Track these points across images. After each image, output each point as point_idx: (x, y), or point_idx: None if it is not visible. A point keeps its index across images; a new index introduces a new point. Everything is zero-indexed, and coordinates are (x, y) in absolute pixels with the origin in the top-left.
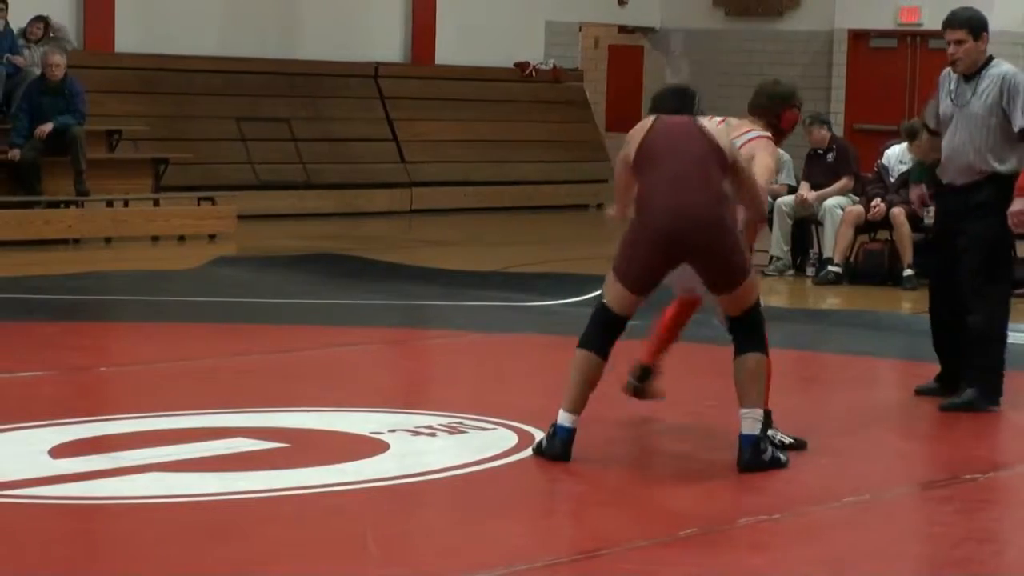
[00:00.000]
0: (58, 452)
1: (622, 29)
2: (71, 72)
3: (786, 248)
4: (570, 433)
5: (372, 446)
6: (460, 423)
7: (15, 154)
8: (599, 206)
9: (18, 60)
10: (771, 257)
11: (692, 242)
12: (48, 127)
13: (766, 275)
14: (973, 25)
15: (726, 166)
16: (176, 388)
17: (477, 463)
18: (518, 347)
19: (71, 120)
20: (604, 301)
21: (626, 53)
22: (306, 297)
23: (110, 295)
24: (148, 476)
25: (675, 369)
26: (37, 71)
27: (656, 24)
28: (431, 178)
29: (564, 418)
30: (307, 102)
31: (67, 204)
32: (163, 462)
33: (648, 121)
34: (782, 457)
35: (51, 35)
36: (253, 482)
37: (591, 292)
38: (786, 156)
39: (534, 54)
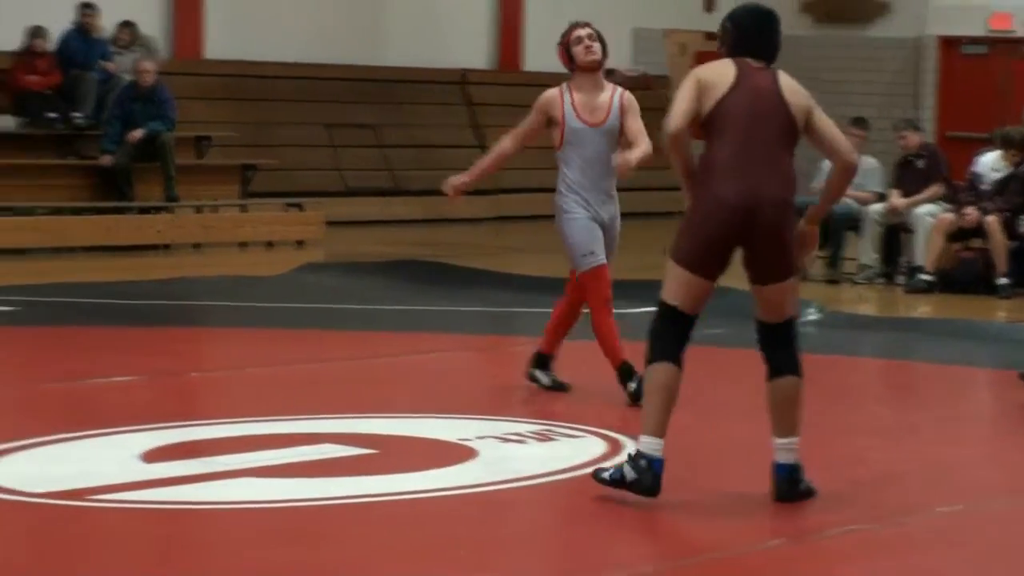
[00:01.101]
0: (150, 456)
1: (709, 35)
2: (161, 79)
3: (876, 256)
4: (663, 465)
5: (460, 452)
6: (549, 430)
7: (107, 160)
8: (682, 213)
9: (110, 66)
10: (860, 266)
11: (760, 223)
12: (139, 133)
13: (856, 283)
14: None
15: (797, 136)
16: (265, 393)
17: (566, 471)
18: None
19: (161, 126)
20: (668, 302)
21: (712, 59)
22: (393, 303)
23: (199, 300)
24: (238, 481)
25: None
26: (128, 78)
27: None
28: (517, 184)
29: (652, 445)
30: (394, 108)
31: (157, 210)
32: (253, 467)
33: (730, 70)
34: (812, 487)
35: (139, 41)
36: (342, 488)
37: None
38: (875, 163)
39: (621, 61)
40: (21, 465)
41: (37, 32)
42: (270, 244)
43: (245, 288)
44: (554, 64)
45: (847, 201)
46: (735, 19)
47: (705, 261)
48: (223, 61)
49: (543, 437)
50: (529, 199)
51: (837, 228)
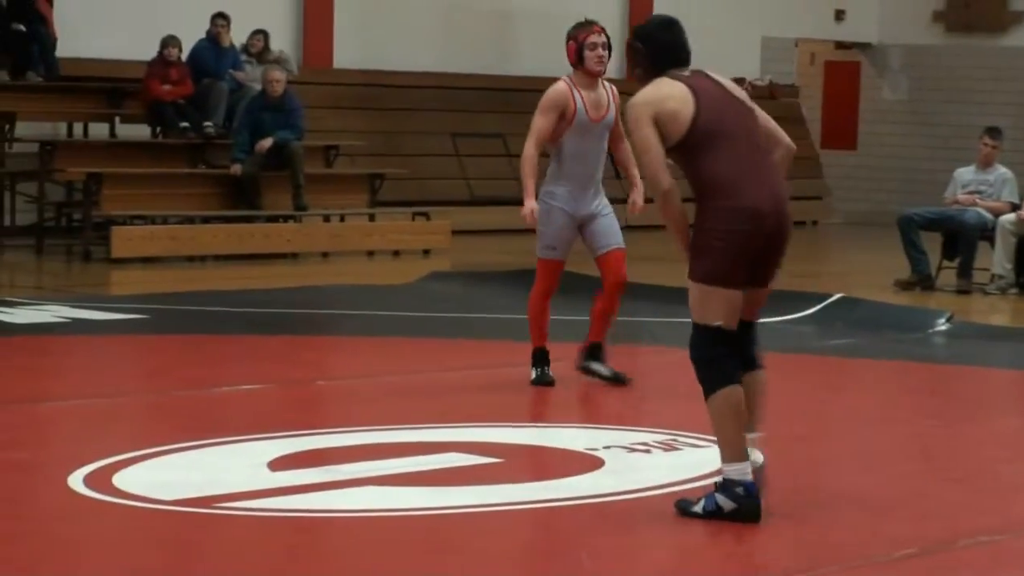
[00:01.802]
0: (277, 465)
1: (839, 45)
2: (290, 88)
3: (1008, 266)
4: (757, 488)
5: (587, 462)
6: (674, 440)
7: (236, 169)
8: (814, 223)
9: (240, 76)
10: (993, 275)
11: (781, 229)
12: (268, 142)
13: (987, 293)
14: None
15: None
16: (391, 402)
17: (692, 480)
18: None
19: (290, 135)
20: (711, 324)
21: (842, 69)
22: (518, 312)
23: (327, 309)
24: (364, 490)
25: (891, 387)
26: (258, 87)
27: (873, 40)
28: (648, 192)
29: (742, 470)
30: (521, 117)
31: (285, 219)
32: (379, 476)
33: (681, 90)
34: None
35: (271, 49)
36: (467, 497)
37: (805, 310)
38: (1009, 174)
39: (750, 70)
40: (151, 473)
41: (170, 42)
42: (397, 253)
43: (372, 297)
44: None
45: (980, 211)
46: (646, 36)
47: (741, 274)
48: (352, 71)
49: (668, 447)
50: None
51: (970, 238)
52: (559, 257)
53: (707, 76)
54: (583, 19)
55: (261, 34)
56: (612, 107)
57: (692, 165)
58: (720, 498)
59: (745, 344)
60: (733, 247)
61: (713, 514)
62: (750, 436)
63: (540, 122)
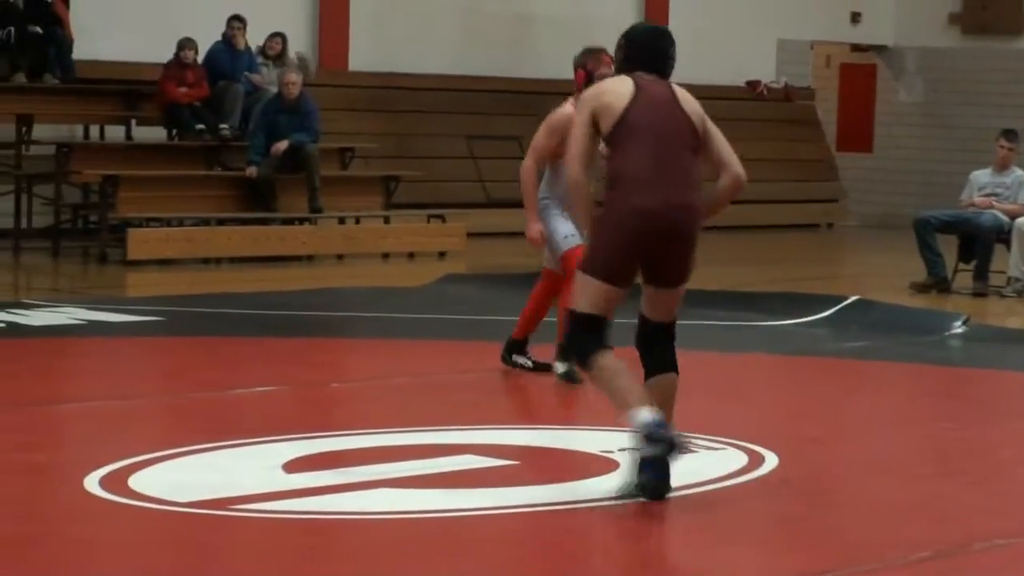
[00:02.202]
0: (292, 467)
1: (855, 47)
2: (306, 90)
3: None
4: (665, 424)
5: (602, 464)
6: (689, 442)
7: (252, 171)
8: (830, 225)
9: (255, 78)
10: (1009, 278)
11: (676, 230)
12: (283, 145)
13: (1004, 296)
14: None
15: (699, 143)
16: (406, 404)
17: (707, 483)
18: (747, 367)
19: (305, 138)
20: (584, 311)
21: (858, 71)
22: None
23: (342, 311)
24: (379, 492)
25: (907, 390)
26: (274, 89)
27: (889, 42)
28: None
29: (649, 414)
30: (537, 120)
31: (301, 221)
32: (394, 478)
33: (627, 86)
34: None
35: (288, 53)
36: (483, 499)
37: (822, 312)
38: None
39: (765, 72)
40: (166, 474)
41: (186, 44)
42: (412, 255)
43: (387, 299)
44: (696, 75)
45: (996, 213)
46: (630, 35)
47: (623, 271)
48: (367, 73)
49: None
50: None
51: (986, 240)
52: (579, 240)
53: (667, 86)
54: (592, 46)
55: (279, 37)
56: None
57: (610, 157)
58: (645, 448)
59: (661, 346)
60: (616, 243)
61: (652, 463)
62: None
63: (542, 141)
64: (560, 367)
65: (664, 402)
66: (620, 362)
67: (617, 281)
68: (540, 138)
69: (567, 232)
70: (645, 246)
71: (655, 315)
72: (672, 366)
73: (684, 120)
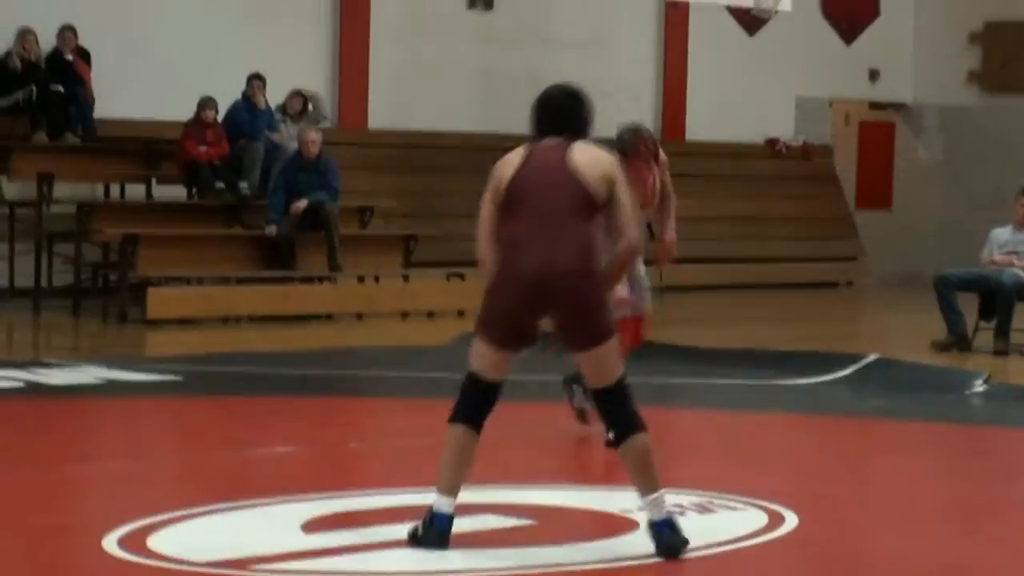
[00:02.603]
0: (310, 527)
1: (873, 105)
2: (326, 149)
3: None
4: (449, 521)
5: (621, 524)
6: (710, 502)
7: (272, 230)
8: (849, 284)
9: (276, 137)
10: None
11: (559, 295)
12: (303, 203)
13: None
14: None
15: (596, 206)
16: (425, 463)
17: (727, 543)
18: (768, 426)
19: (325, 196)
20: (470, 368)
21: (877, 129)
22: (553, 373)
23: (361, 370)
24: (398, 552)
25: (928, 449)
26: (294, 146)
27: (908, 100)
28: (681, 254)
29: (442, 504)
30: None
31: (320, 280)
32: None
33: (519, 155)
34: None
35: (308, 109)
36: (501, 559)
37: (842, 370)
38: None
39: (784, 130)
40: (184, 534)
41: (206, 103)
42: (431, 314)
43: (406, 358)
44: (716, 133)
45: (1017, 271)
46: (538, 99)
47: (503, 335)
48: (387, 132)
49: (703, 509)
50: (692, 269)
51: (1007, 298)
52: (626, 314)
53: (562, 150)
54: (629, 131)
55: (299, 95)
56: (656, 193)
57: (501, 226)
58: (419, 523)
59: (608, 410)
60: (496, 307)
61: (411, 539)
62: (641, 501)
63: None
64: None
65: (636, 465)
66: (461, 441)
67: (498, 344)
68: None
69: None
70: (525, 311)
71: (588, 380)
72: (632, 428)
73: (571, 184)
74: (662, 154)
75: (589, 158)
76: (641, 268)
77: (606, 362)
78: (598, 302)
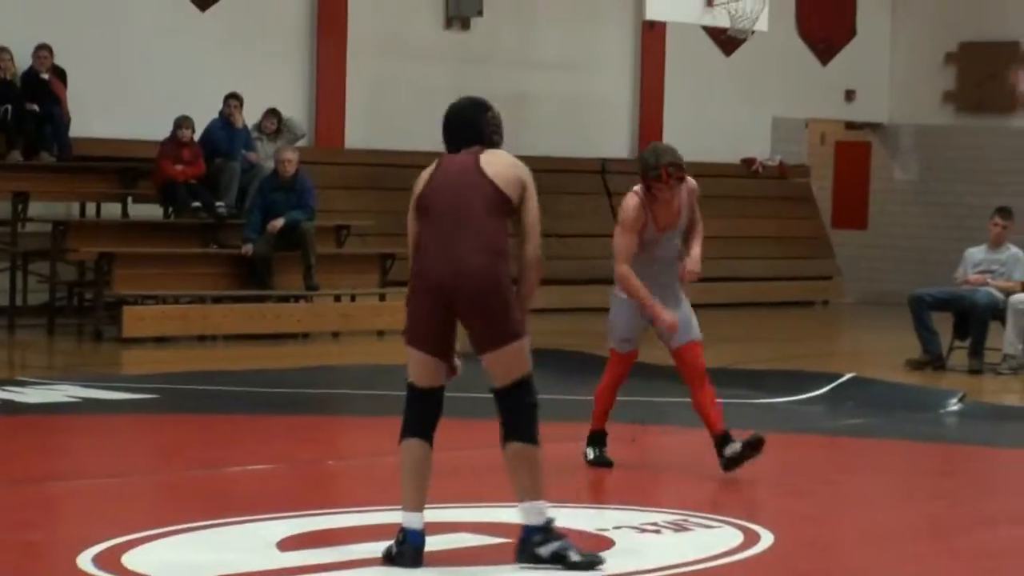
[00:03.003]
0: (286, 545)
1: (849, 125)
2: (302, 168)
3: (1020, 346)
4: (421, 537)
5: (597, 543)
6: (685, 520)
7: (248, 249)
8: (825, 303)
9: (252, 157)
10: (1004, 355)
11: (464, 295)
12: (279, 222)
13: (999, 373)
14: None
15: (509, 207)
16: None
17: (702, 560)
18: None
19: (301, 216)
20: (407, 379)
21: (853, 149)
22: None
23: (338, 389)
24: (373, 570)
25: (902, 467)
26: (270, 165)
27: (884, 120)
28: None
29: (411, 520)
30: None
31: (296, 299)
32: None
33: (430, 169)
34: (573, 555)
35: (283, 128)
36: None
37: (819, 389)
38: (1021, 253)
39: (761, 150)
40: (160, 552)
41: (183, 122)
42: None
43: (382, 376)
44: (692, 153)
45: (991, 290)
46: (444, 116)
47: (423, 338)
48: (363, 151)
49: (679, 527)
50: None
51: (981, 318)
52: (632, 348)
53: (472, 155)
54: (653, 153)
55: (274, 115)
56: (683, 211)
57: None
58: (393, 543)
59: (501, 411)
60: (411, 312)
61: (386, 558)
62: (519, 506)
63: (622, 242)
64: (590, 453)
65: (510, 470)
66: (415, 455)
67: (422, 348)
68: (619, 241)
69: (625, 335)
70: (435, 313)
71: (492, 379)
72: (515, 434)
73: (481, 186)
74: (691, 181)
75: (502, 161)
76: (683, 295)
77: (508, 362)
78: (502, 304)
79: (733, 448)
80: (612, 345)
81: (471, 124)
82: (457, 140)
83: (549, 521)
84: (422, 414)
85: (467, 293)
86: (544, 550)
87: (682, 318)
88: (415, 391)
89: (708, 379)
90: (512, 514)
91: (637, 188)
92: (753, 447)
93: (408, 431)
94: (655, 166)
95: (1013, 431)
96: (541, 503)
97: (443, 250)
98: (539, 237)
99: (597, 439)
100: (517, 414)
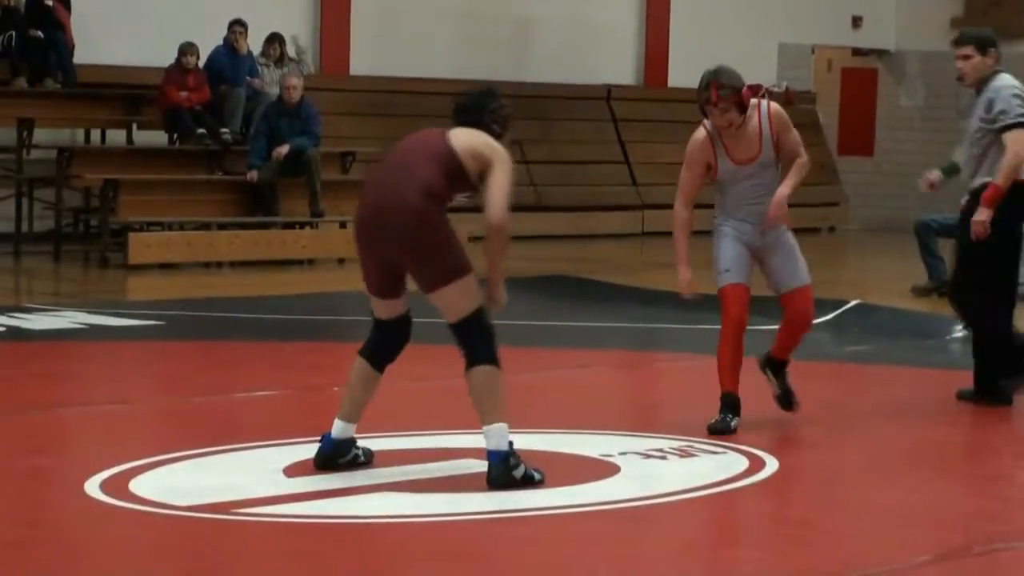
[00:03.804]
0: (292, 471)
1: (856, 52)
2: (307, 95)
3: None
4: (331, 443)
5: (602, 468)
6: (690, 446)
7: (253, 176)
8: (831, 229)
9: (256, 83)
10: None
11: (390, 232)
12: (285, 149)
13: None
14: (979, 42)
15: (454, 167)
16: (407, 408)
17: (707, 487)
18: (746, 371)
19: (307, 142)
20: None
21: (859, 76)
22: (536, 319)
23: (343, 315)
24: (379, 496)
25: (908, 393)
26: (275, 91)
27: (891, 46)
28: (663, 200)
29: (335, 426)
30: (539, 125)
31: (302, 225)
32: (394, 482)
33: None
34: (536, 475)
35: (288, 55)
36: (482, 503)
37: (824, 316)
38: None
39: (767, 76)
40: (167, 478)
41: (187, 49)
42: None
43: None
44: (698, 80)
45: None
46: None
47: (369, 278)
48: (368, 77)
49: (685, 453)
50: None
51: None
52: (736, 280)
53: (448, 127)
54: (704, 76)
55: (276, 40)
56: (764, 141)
57: None
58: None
59: (458, 344)
60: (357, 252)
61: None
62: (482, 429)
63: (685, 176)
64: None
65: (473, 396)
66: (358, 372)
67: (370, 288)
68: (683, 176)
69: (726, 264)
70: (367, 250)
71: (444, 316)
72: (474, 360)
73: (435, 145)
74: (774, 106)
75: (468, 134)
76: (789, 236)
77: (452, 301)
78: (432, 243)
79: (774, 379)
80: (716, 282)
81: (474, 108)
82: (459, 120)
83: (511, 444)
84: (375, 339)
85: (391, 229)
86: (517, 472)
87: (781, 263)
88: (373, 318)
89: (806, 332)
90: (518, 440)
91: (706, 120)
92: (783, 400)
93: (362, 350)
94: (704, 87)
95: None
96: (503, 426)
97: (372, 189)
98: (502, 209)
99: (730, 404)
100: (472, 344)
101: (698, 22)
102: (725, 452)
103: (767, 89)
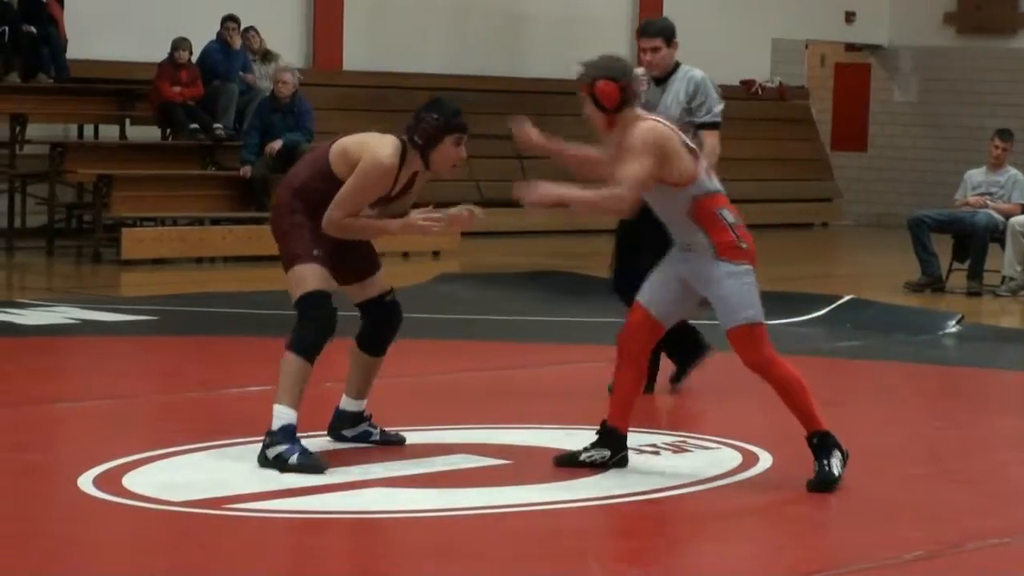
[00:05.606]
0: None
1: (849, 47)
2: (300, 90)
3: (1019, 268)
4: (335, 413)
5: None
6: (683, 442)
7: (246, 171)
8: (824, 225)
9: (249, 78)
10: (1004, 277)
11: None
12: (277, 144)
13: (998, 295)
14: (667, 34)
15: (323, 166)
16: (399, 404)
17: (700, 482)
18: (741, 366)
19: (299, 137)
20: None
21: (853, 71)
22: (528, 314)
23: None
24: (372, 491)
25: (901, 389)
26: (267, 84)
27: (884, 42)
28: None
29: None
30: (532, 120)
31: None
32: (387, 477)
33: None
34: (293, 460)
35: (269, 57)
36: (475, 499)
37: (816, 311)
38: (1020, 175)
39: (760, 72)
40: (160, 473)
41: (180, 44)
42: (406, 255)
43: None
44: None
45: (990, 212)
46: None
47: None
48: (361, 72)
49: (677, 448)
50: None
51: (980, 240)
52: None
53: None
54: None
55: (252, 30)
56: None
57: None
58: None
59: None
60: None
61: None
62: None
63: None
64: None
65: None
66: (351, 355)
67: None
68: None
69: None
70: None
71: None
72: (287, 346)
73: (320, 154)
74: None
75: (360, 136)
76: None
77: (289, 285)
78: (280, 232)
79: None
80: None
81: (413, 117)
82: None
83: (284, 427)
84: (361, 324)
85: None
86: (269, 452)
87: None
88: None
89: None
90: (512, 436)
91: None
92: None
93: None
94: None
95: (1011, 353)
96: (282, 408)
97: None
98: (341, 211)
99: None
100: (294, 328)
101: (691, 17)
102: (719, 448)
103: (760, 84)
